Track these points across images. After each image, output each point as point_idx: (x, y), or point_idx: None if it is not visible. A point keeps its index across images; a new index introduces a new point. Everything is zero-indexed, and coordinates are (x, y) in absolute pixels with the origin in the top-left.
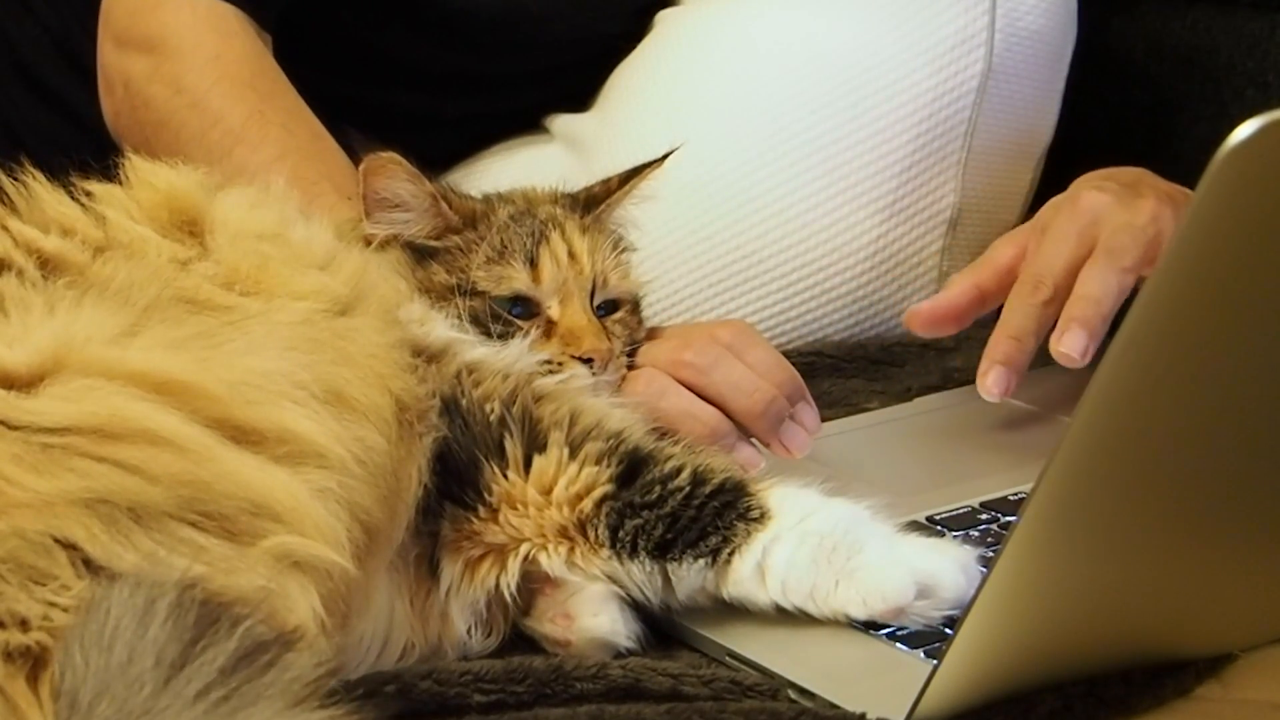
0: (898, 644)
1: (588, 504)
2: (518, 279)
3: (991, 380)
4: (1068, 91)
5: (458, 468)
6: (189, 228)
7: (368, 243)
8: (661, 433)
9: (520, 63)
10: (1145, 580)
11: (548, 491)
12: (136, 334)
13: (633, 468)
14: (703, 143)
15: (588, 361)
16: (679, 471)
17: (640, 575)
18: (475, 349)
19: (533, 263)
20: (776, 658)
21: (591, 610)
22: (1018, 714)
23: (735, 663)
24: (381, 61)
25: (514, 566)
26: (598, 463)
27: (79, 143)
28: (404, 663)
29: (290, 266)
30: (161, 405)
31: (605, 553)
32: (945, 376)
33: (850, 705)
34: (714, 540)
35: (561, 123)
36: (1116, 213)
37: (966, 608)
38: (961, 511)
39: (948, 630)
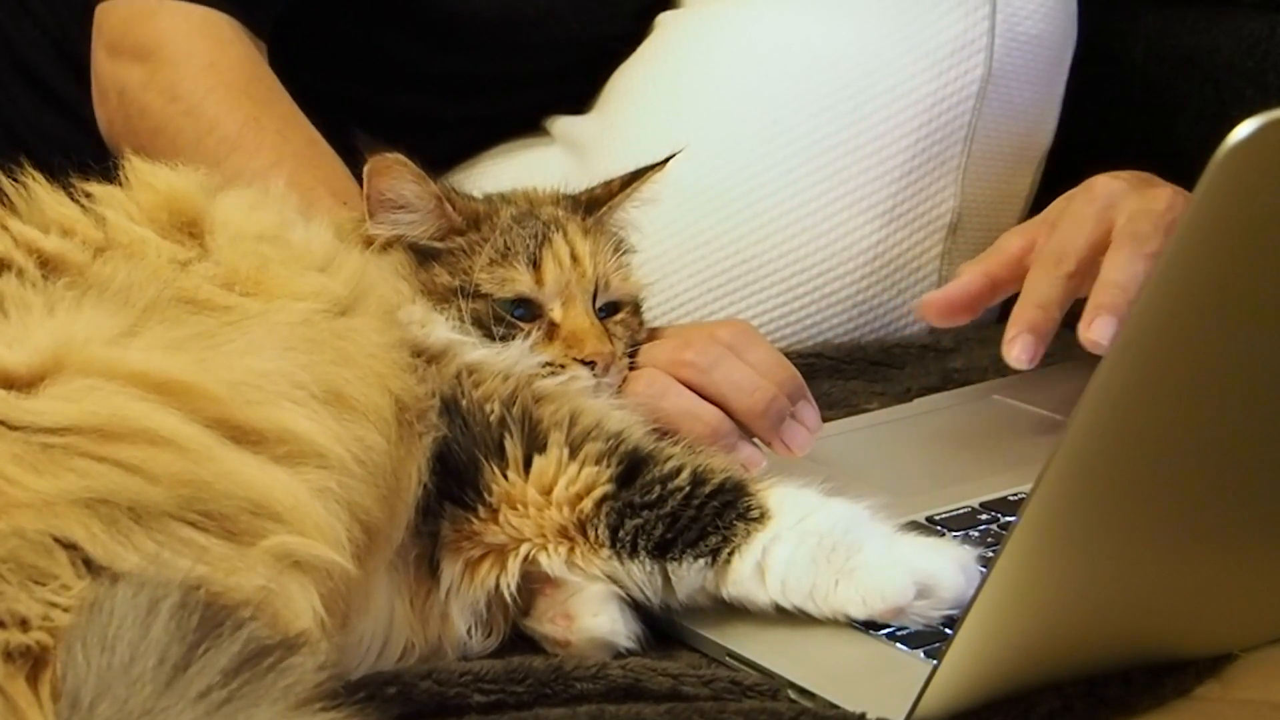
0: (897, 644)
1: (588, 504)
2: (520, 281)
3: (1020, 348)
4: (1067, 93)
5: (458, 468)
6: (189, 229)
7: (371, 243)
8: (662, 433)
9: (518, 65)
10: (1145, 580)
11: (548, 492)
12: (136, 334)
13: (633, 468)
14: (703, 146)
15: (590, 364)
16: (679, 471)
17: (640, 575)
18: (475, 350)
19: (535, 265)
20: (776, 658)
21: (591, 610)
22: (1018, 714)
23: (735, 663)
24: (380, 64)
25: (514, 567)
26: (598, 463)
27: (79, 143)
28: (404, 663)
29: (290, 267)
30: (161, 405)
31: (605, 553)
32: (945, 377)
33: (850, 705)
34: (714, 540)
35: (562, 125)
36: (1132, 198)
37: (966, 608)
38: (961, 512)
39: (947, 630)
